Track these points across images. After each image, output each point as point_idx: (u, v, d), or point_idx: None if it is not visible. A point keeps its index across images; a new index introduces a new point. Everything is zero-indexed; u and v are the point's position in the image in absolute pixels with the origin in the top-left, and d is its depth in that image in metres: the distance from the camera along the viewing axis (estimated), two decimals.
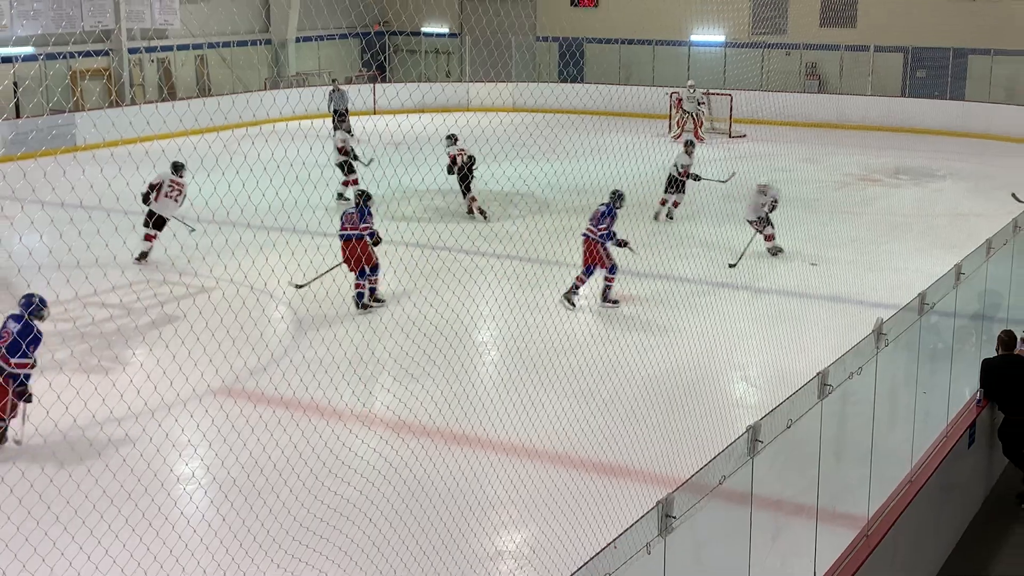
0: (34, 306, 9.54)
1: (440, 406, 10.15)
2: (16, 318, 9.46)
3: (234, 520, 8.30)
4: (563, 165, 22.57)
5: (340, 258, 14.17)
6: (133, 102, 28.53)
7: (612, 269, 13.94)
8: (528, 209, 19.45)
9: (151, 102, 28.45)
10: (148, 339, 12.59)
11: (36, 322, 9.48)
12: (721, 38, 31.09)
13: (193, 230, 15.28)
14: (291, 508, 8.23)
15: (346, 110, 27.59)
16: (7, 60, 25.91)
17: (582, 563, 4.67)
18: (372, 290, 13.99)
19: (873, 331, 7.51)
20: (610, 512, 7.63)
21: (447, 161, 19.28)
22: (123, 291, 13.83)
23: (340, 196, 19.73)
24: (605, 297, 14.08)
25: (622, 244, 14.04)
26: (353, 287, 13.83)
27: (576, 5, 33.85)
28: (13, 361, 9.24)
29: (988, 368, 9.66)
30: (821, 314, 13.15)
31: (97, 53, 28.54)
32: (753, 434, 5.95)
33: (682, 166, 18.65)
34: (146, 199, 16.49)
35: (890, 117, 27.57)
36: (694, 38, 31.49)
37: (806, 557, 6.72)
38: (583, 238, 14.05)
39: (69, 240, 14.83)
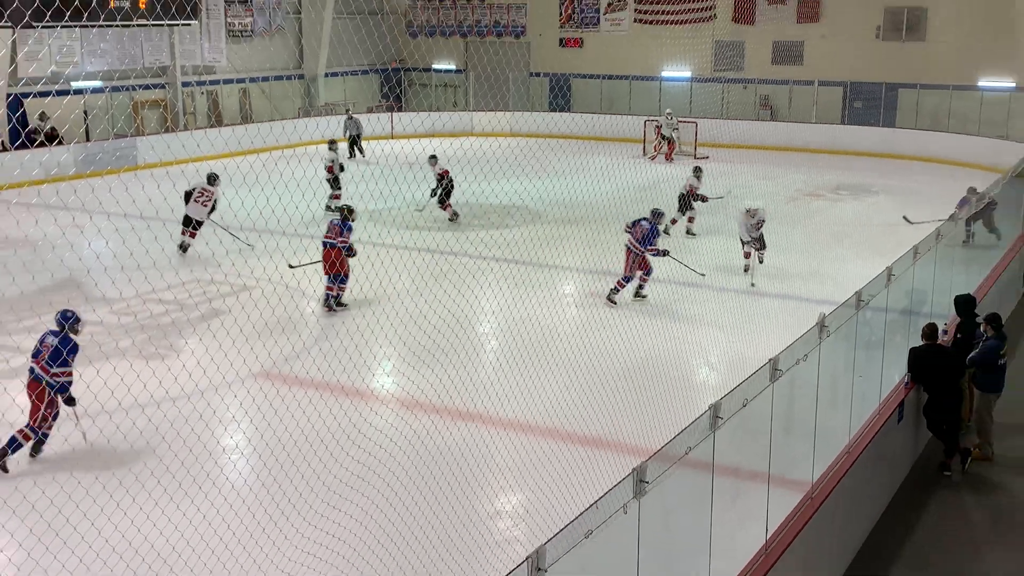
0: (71, 320, 9.23)
1: (447, 387, 10.13)
2: (55, 333, 9.27)
3: (271, 484, 8.30)
4: (553, 182, 22.54)
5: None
6: (185, 128, 28.47)
7: (648, 272, 13.92)
8: (523, 219, 19.43)
9: (201, 128, 28.38)
10: (198, 330, 12.58)
11: (72, 335, 9.20)
12: (688, 74, 31.05)
13: (252, 247, 15.17)
14: (319, 473, 8.22)
15: (359, 135, 27.40)
16: (78, 92, 25.88)
17: (568, 521, 4.66)
18: (337, 296, 13.58)
19: (817, 324, 7.51)
20: (592, 478, 7.62)
21: (436, 176, 19.25)
22: (177, 289, 13.81)
23: (328, 208, 19.59)
24: (638, 293, 14.05)
25: (662, 254, 13.99)
26: (324, 288, 13.59)
27: (564, 46, 33.81)
28: (52, 371, 8.83)
29: (914, 356, 9.67)
30: (772, 310, 13.14)
31: (155, 86, 28.49)
32: (714, 412, 5.94)
33: (691, 187, 18.20)
34: (187, 200, 16.66)
35: (832, 141, 27.56)
36: (664, 74, 31.45)
37: (760, 516, 6.72)
38: (626, 250, 13.94)
39: (130, 246, 14.82)
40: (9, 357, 11.55)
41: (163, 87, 28.70)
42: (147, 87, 28.21)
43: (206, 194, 16.81)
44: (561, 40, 33.84)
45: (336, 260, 13.24)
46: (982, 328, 9.91)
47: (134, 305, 13.44)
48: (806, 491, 7.36)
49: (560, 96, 33.26)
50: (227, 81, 30.49)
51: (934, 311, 11.17)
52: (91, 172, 22.49)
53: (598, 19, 32.97)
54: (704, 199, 18.18)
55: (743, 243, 15.61)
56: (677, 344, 11.93)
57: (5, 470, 8.73)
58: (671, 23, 30.48)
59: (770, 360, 6.65)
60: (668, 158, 26.61)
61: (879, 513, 8.71)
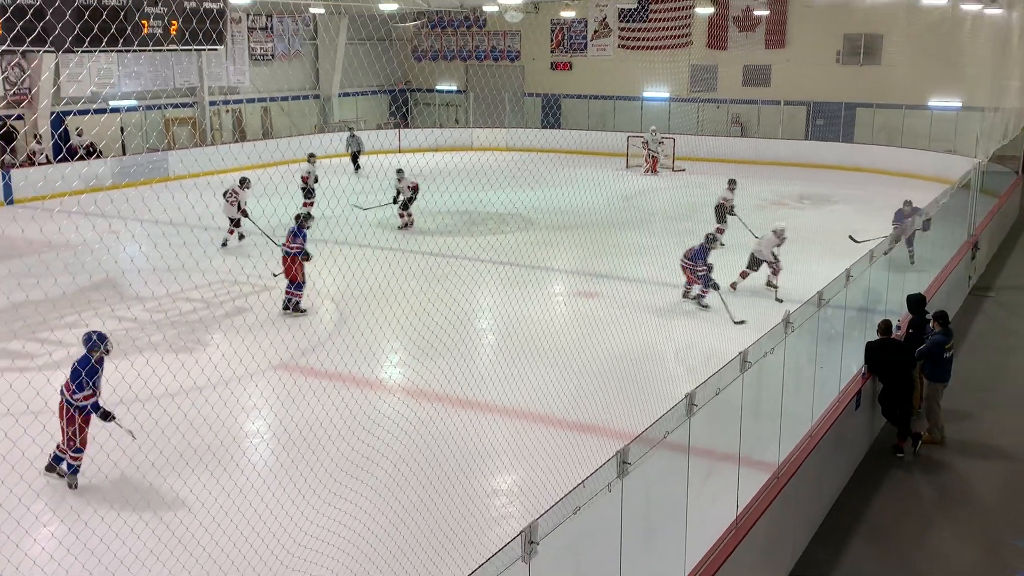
0: (92, 342, 8.20)
1: (448, 378, 10.13)
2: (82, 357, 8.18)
3: (289, 465, 8.29)
4: (545, 192, 22.59)
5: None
6: (212, 142, 28.44)
7: (704, 285, 13.35)
8: (517, 226, 19.43)
9: (226, 143, 28.36)
10: (223, 326, 12.56)
11: (93, 355, 8.10)
12: (666, 94, 31.07)
13: (309, 256, 13.42)
14: (333, 456, 8.22)
15: (359, 151, 27.11)
16: (115, 110, 25.83)
17: (558, 499, 4.66)
18: (294, 302, 13.01)
19: (782, 321, 7.51)
20: (579, 460, 7.63)
21: (407, 190, 18.66)
22: (203, 289, 13.79)
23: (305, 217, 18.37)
24: (700, 302, 13.52)
25: (709, 283, 13.33)
26: (284, 292, 13.06)
27: (555, 69, 33.81)
28: (78, 396, 7.99)
29: (870, 349, 9.69)
30: (742, 307, 13.15)
31: (185, 105, 28.44)
32: (690, 400, 5.94)
33: (723, 199, 17.50)
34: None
35: (796, 155, 27.60)
36: (645, 94, 31.47)
37: (731, 494, 6.72)
38: (681, 266, 13.68)
39: (161, 249, 14.80)
40: (52, 350, 11.54)
41: (192, 106, 28.65)
42: (177, 106, 28.16)
43: (234, 195, 16.95)
44: (552, 64, 33.85)
45: (291, 266, 12.81)
46: (931, 324, 9.93)
47: (165, 303, 13.41)
48: (773, 471, 7.37)
49: (551, 114, 33.26)
50: (250, 100, 30.45)
51: (888, 309, 11.18)
52: (126, 183, 22.48)
53: (585, 45, 32.98)
54: (732, 212, 17.36)
55: (761, 262, 14.37)
56: (657, 338, 11.94)
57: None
58: (651, 48, 30.53)
59: (740, 353, 6.65)
60: (654, 171, 26.58)
61: (839, 491, 8.72)
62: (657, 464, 6.03)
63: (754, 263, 14.47)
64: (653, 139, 26.99)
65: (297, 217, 13.22)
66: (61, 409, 8.09)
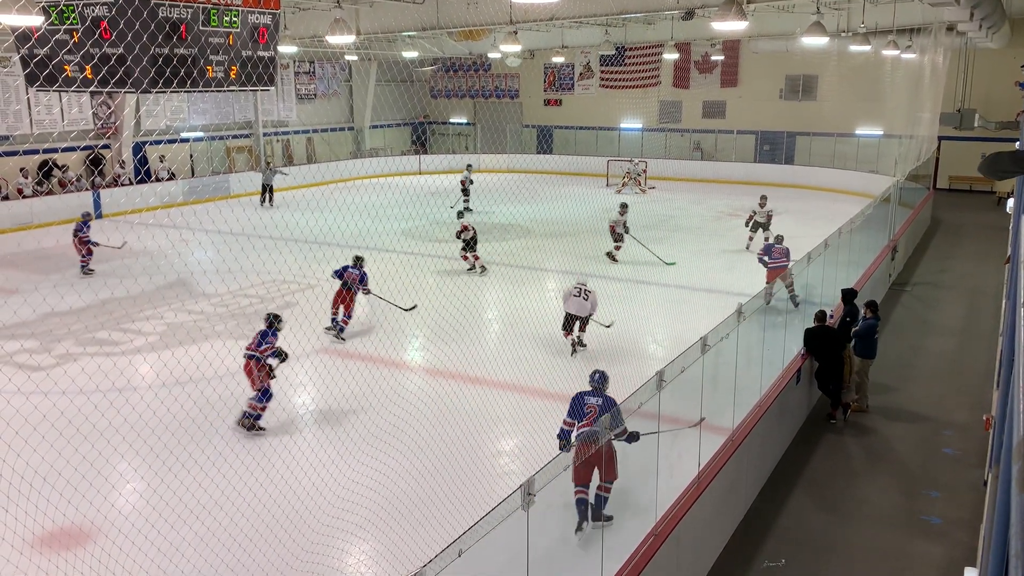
0: (271, 317, 8.68)
1: (461, 359, 10.13)
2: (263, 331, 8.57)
3: (331, 432, 8.29)
4: (539, 206, 22.56)
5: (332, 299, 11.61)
6: (266, 167, 28.43)
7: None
8: (517, 234, 19.41)
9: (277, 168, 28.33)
10: None
11: (269, 329, 8.51)
12: (639, 125, 31.03)
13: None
14: (366, 424, 8.22)
15: (271, 185, 23.16)
16: (185, 140, 25.81)
17: (551, 458, 4.66)
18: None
19: (736, 311, 7.51)
20: None
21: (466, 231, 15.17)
22: (258, 287, 13.79)
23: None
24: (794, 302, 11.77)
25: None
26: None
27: (547, 105, 33.74)
28: (263, 347, 8.39)
29: (808, 334, 9.67)
30: (702, 300, 13.14)
31: (243, 135, 28.40)
32: (660, 377, 5.94)
33: (754, 211, 17.12)
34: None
35: (747, 175, 27.54)
36: (622, 125, 31.42)
37: (693, 454, 6.72)
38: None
39: (223, 255, 14.77)
40: (133, 339, 11.54)
41: (248, 136, 28.62)
42: (237, 136, 28.12)
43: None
44: (545, 100, 33.78)
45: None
46: (863, 312, 9.90)
47: (227, 299, 13.41)
48: (728, 435, 7.37)
49: (545, 142, 33.22)
50: (296, 132, 30.43)
51: (822, 301, 11.18)
52: (194, 200, 22.46)
53: (573, 84, 32.93)
54: (756, 226, 16.93)
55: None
56: (633, 326, 11.93)
57: (259, 429, 8.24)
58: (627, 87, 30.48)
59: (701, 338, 6.65)
60: (643, 191, 26.43)
61: (782, 451, 8.72)
62: (633, 429, 6.04)
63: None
64: (635, 169, 26.92)
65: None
66: (248, 368, 8.40)
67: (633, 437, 6.01)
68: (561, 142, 33.04)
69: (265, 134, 28.98)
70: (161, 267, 15.37)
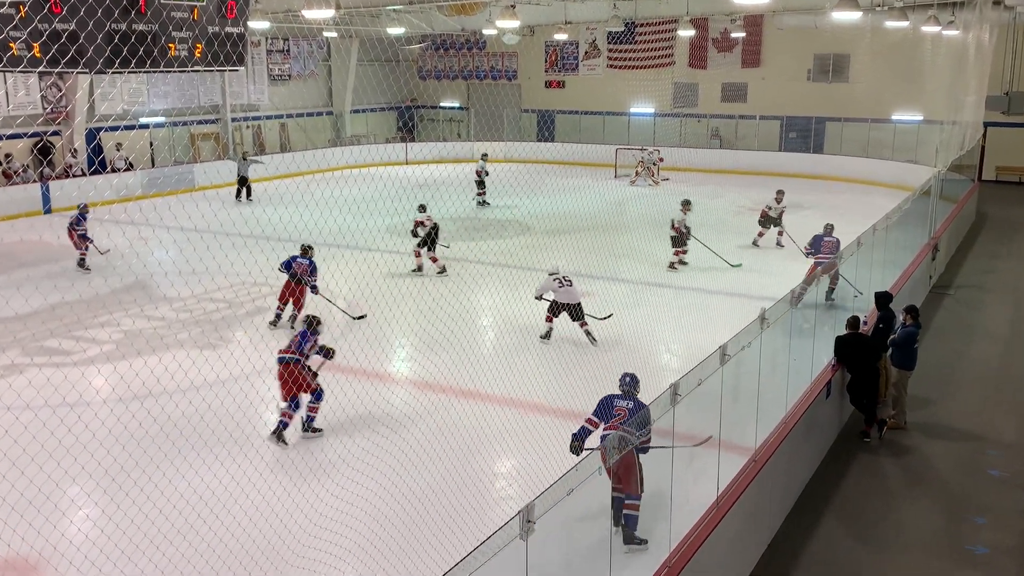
0: (309, 319, 9.10)
1: (452, 371, 10.13)
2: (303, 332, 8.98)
3: (306, 452, 8.28)
4: (541, 199, 22.59)
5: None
6: (234, 156, 28.44)
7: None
8: (516, 231, 19.43)
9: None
10: (244, 324, 12.56)
11: (311, 331, 8.90)
12: (651, 110, 31.09)
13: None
14: (347, 443, 8.21)
15: (247, 176, 23.24)
16: (145, 126, 25.82)
17: (553, 481, 4.66)
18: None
19: (759, 317, 7.51)
20: None
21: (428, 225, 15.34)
22: (226, 290, 13.78)
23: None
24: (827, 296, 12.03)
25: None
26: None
27: (549, 87, 33.82)
28: (304, 347, 8.81)
29: (840, 342, 9.69)
30: (722, 305, 13.15)
31: (209, 121, 28.42)
32: (674, 389, 5.94)
33: (768, 206, 17.51)
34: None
35: (770, 165, 27.59)
36: (632, 110, 31.48)
37: (712, 475, 6.72)
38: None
39: (187, 254, 14.78)
40: (87, 347, 11.52)
41: (215, 122, 28.64)
42: (202, 122, 28.14)
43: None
44: (546, 82, 33.86)
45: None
46: (902, 317, 9.91)
47: (191, 304, 13.40)
48: (750, 454, 7.37)
49: (546, 129, 33.27)
50: (268, 117, 30.44)
51: (855, 305, 11.19)
52: (155, 193, 22.46)
53: (577, 65, 33.00)
54: (776, 223, 17.43)
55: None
56: (643, 333, 11.93)
57: (284, 443, 8.57)
58: (637, 67, 30.55)
59: (720, 347, 6.65)
60: (656, 183, 26.51)
61: (811, 473, 8.73)
62: (644, 451, 6.04)
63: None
64: (649, 158, 26.98)
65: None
66: (289, 377, 8.58)
67: (644, 450, 6.12)
68: (564, 129, 33.10)
69: (234, 119, 29.00)
70: (118, 268, 15.36)
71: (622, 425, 6.46)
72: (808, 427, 8.54)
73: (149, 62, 5.50)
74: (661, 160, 26.59)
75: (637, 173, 26.59)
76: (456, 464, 7.95)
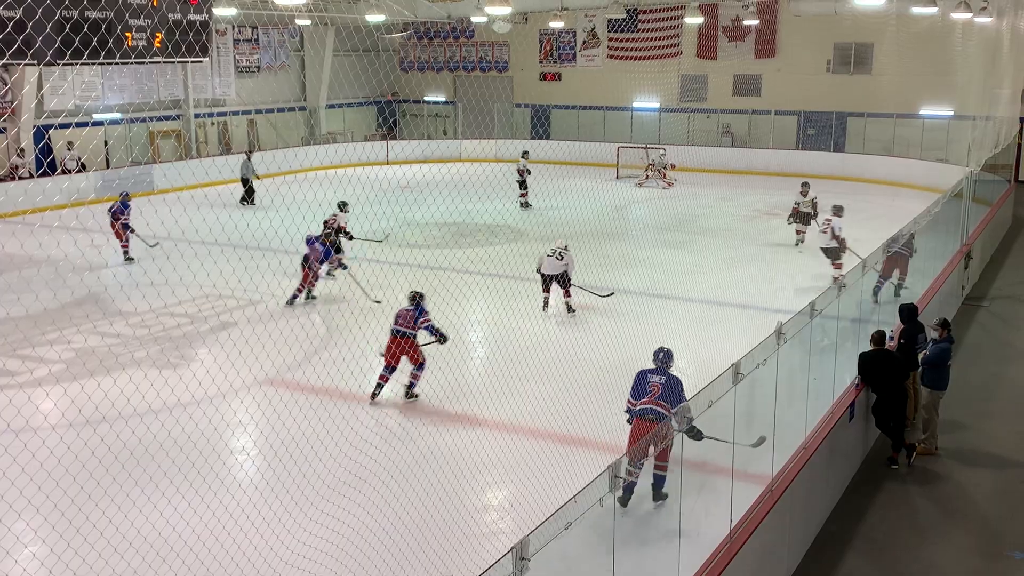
0: (414, 295, 10.67)
1: (438, 392, 10.12)
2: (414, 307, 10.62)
3: (276, 484, 8.25)
4: (535, 202, 22.64)
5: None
6: (197, 156, 28.42)
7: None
8: (507, 237, 19.45)
9: (211, 156, 28.33)
10: (207, 342, 12.53)
11: (422, 304, 10.62)
12: (656, 104, 31.23)
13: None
14: (320, 474, 8.19)
15: (249, 178, 23.76)
16: (98, 123, 25.79)
17: (549, 514, 4.65)
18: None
19: (775, 331, 7.53)
20: (570, 474, 7.60)
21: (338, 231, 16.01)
22: (188, 304, 13.75)
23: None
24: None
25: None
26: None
27: (544, 80, 33.95)
28: (420, 320, 10.49)
29: (864, 360, 9.71)
30: (734, 318, 13.18)
31: (169, 117, 28.42)
32: (683, 412, 5.95)
33: (797, 202, 18.31)
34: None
35: (787, 165, 27.70)
36: (635, 104, 31.61)
37: (724, 507, 6.72)
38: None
39: (145, 264, 14.76)
40: (34, 367, 11.47)
41: (177, 118, 28.65)
42: (162, 118, 28.15)
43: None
44: (541, 74, 33.99)
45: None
46: (935, 332, 9.93)
47: (149, 319, 13.36)
48: (766, 484, 7.37)
49: (540, 125, 33.38)
50: (235, 113, 30.45)
51: (881, 319, 11.23)
52: (109, 197, 22.42)
53: (574, 55, 33.14)
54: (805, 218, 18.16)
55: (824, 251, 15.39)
56: (647, 349, 11.93)
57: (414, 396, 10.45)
58: (640, 58, 30.70)
59: (732, 365, 6.67)
60: (668, 183, 26.62)
61: (833, 504, 8.73)
62: (649, 478, 6.04)
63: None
64: (660, 160, 27.09)
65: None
66: (394, 344, 10.34)
67: (696, 434, 6.54)
68: (560, 125, 33.22)
69: (197, 116, 29.02)
70: (68, 280, 15.31)
71: (656, 400, 7.72)
72: (830, 453, 8.55)
73: (103, 53, 5.51)
74: (673, 167, 26.72)
75: (647, 175, 26.70)
76: (443, 495, 7.93)
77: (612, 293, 13.04)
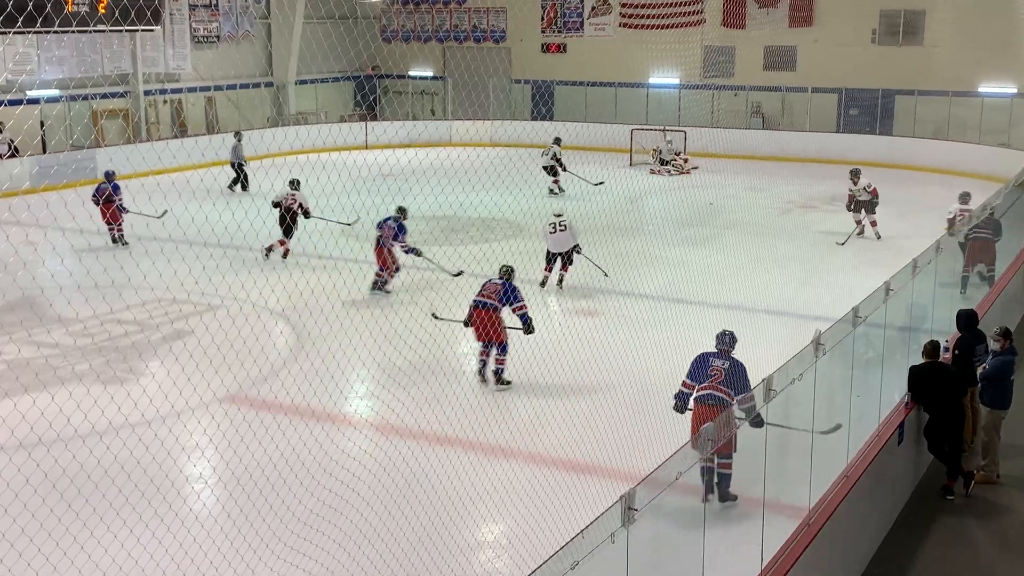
0: (504, 270, 11.95)
1: (424, 411, 10.11)
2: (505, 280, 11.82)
3: (238, 516, 8.23)
4: (535, 192, 22.63)
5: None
6: (148, 138, 28.41)
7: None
8: (504, 233, 19.45)
9: (164, 139, 28.32)
10: (160, 353, 12.52)
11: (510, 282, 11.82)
12: (676, 80, 31.25)
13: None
14: (290, 505, 8.17)
15: (242, 163, 24.55)
16: (34, 101, 25.77)
17: (553, 552, 4.65)
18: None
19: (812, 341, 7.53)
20: (578, 505, 7.61)
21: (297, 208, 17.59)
22: (137, 309, 13.74)
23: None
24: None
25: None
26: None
27: (546, 51, 33.98)
28: (514, 304, 11.58)
29: (915, 374, 9.70)
30: (765, 326, 13.17)
31: (115, 95, 28.43)
32: (707, 436, 5.95)
33: (851, 190, 19.15)
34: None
35: (826, 150, 27.74)
36: (651, 80, 31.63)
37: (754, 544, 6.72)
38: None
39: (87, 264, 14.75)
40: None
41: (124, 96, 28.64)
42: (107, 96, 28.15)
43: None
44: (543, 46, 34.02)
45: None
46: (997, 343, 9.92)
47: (92, 327, 13.33)
48: (803, 517, 7.37)
49: (543, 104, 33.40)
50: (191, 89, 30.46)
51: (935, 327, 11.23)
52: (45, 186, 22.37)
53: (582, 23, 33.17)
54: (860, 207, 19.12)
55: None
56: (665, 362, 11.93)
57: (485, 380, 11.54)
58: (658, 27, 30.71)
59: (763, 380, 6.66)
60: (685, 171, 26.72)
61: (879, 540, 8.73)
62: (668, 510, 6.03)
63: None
64: (668, 149, 27.12)
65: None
66: (478, 318, 11.47)
67: (758, 421, 6.83)
68: (565, 104, 33.25)
69: (147, 92, 29.02)
70: None
71: (719, 385, 8.39)
72: (875, 482, 8.55)
73: (40, 20, 5.52)
74: (685, 160, 26.82)
75: (659, 166, 26.81)
76: (430, 530, 7.92)
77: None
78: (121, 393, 10.43)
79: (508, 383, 11.57)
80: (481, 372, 11.76)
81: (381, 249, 15.30)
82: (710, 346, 11.23)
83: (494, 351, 11.61)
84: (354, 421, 10.60)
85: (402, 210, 15.62)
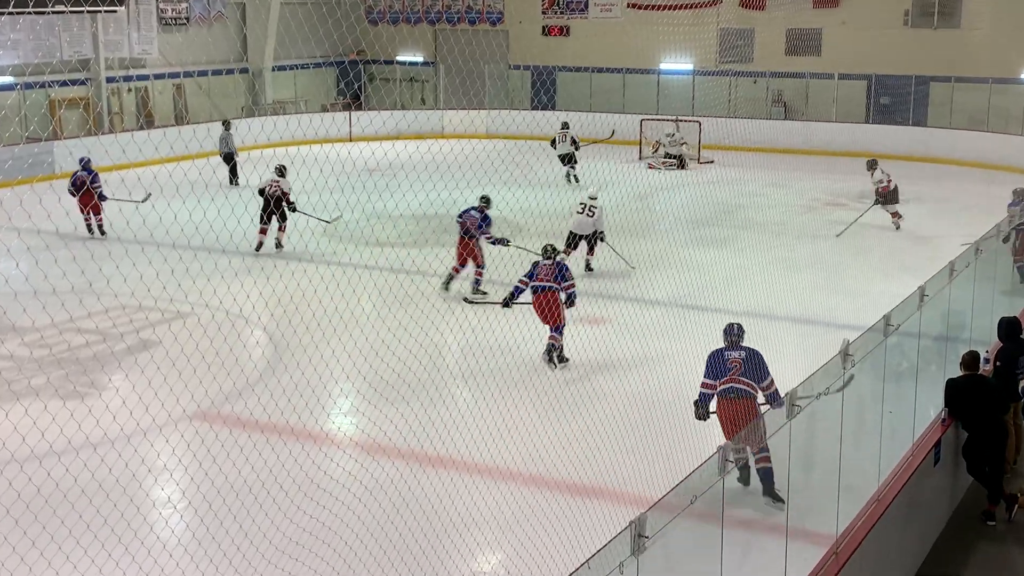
0: (547, 250, 13.04)
1: (414, 429, 10.10)
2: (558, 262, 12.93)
3: (210, 544, 8.22)
4: (535, 191, 22.62)
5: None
6: (111, 130, 28.41)
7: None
8: (501, 233, 19.44)
9: (128, 130, 28.34)
10: (124, 365, 12.51)
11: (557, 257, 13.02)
12: (689, 66, 31.29)
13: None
14: (267, 532, 8.16)
15: (232, 153, 25.28)
16: None
17: None
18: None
19: (840, 352, 7.54)
20: (584, 532, 7.60)
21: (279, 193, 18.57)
22: (99, 317, 13.71)
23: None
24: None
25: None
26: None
27: (548, 35, 34.04)
28: (564, 284, 12.60)
29: (953, 388, 9.70)
30: (789, 335, 13.17)
31: (75, 82, 28.43)
32: (723, 455, 5.95)
33: (876, 182, 19.74)
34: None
35: (855, 143, 27.78)
36: (663, 67, 31.66)
37: (776, 573, 6.72)
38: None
39: (45, 267, 14.70)
40: None
41: (85, 83, 28.65)
42: (66, 83, 28.15)
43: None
44: (544, 28, 34.08)
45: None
46: None
47: (49, 336, 13.32)
48: (830, 545, 7.37)
49: (543, 92, 33.45)
50: (159, 76, 30.48)
51: (974, 337, 11.23)
52: (2, 182, 22.40)
53: (586, 4, 33.24)
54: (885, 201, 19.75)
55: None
56: (680, 375, 11.92)
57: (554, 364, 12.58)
58: (670, 8, 30.72)
59: (787, 394, 6.67)
60: (687, 166, 26.85)
61: (914, 570, 8.73)
62: (682, 538, 6.03)
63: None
64: (672, 142, 27.18)
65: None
66: (545, 305, 12.44)
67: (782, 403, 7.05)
68: (569, 92, 33.29)
69: (110, 80, 29.02)
70: None
71: (739, 377, 9.00)
72: (909, 506, 8.55)
73: None
74: (679, 155, 26.96)
75: (662, 161, 26.90)
76: (421, 558, 7.91)
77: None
78: (82, 409, 10.40)
79: (567, 360, 12.76)
80: (555, 357, 12.74)
81: (468, 242, 15.64)
82: None
83: (548, 331, 12.71)
84: (337, 440, 10.58)
85: (486, 199, 16.06)
